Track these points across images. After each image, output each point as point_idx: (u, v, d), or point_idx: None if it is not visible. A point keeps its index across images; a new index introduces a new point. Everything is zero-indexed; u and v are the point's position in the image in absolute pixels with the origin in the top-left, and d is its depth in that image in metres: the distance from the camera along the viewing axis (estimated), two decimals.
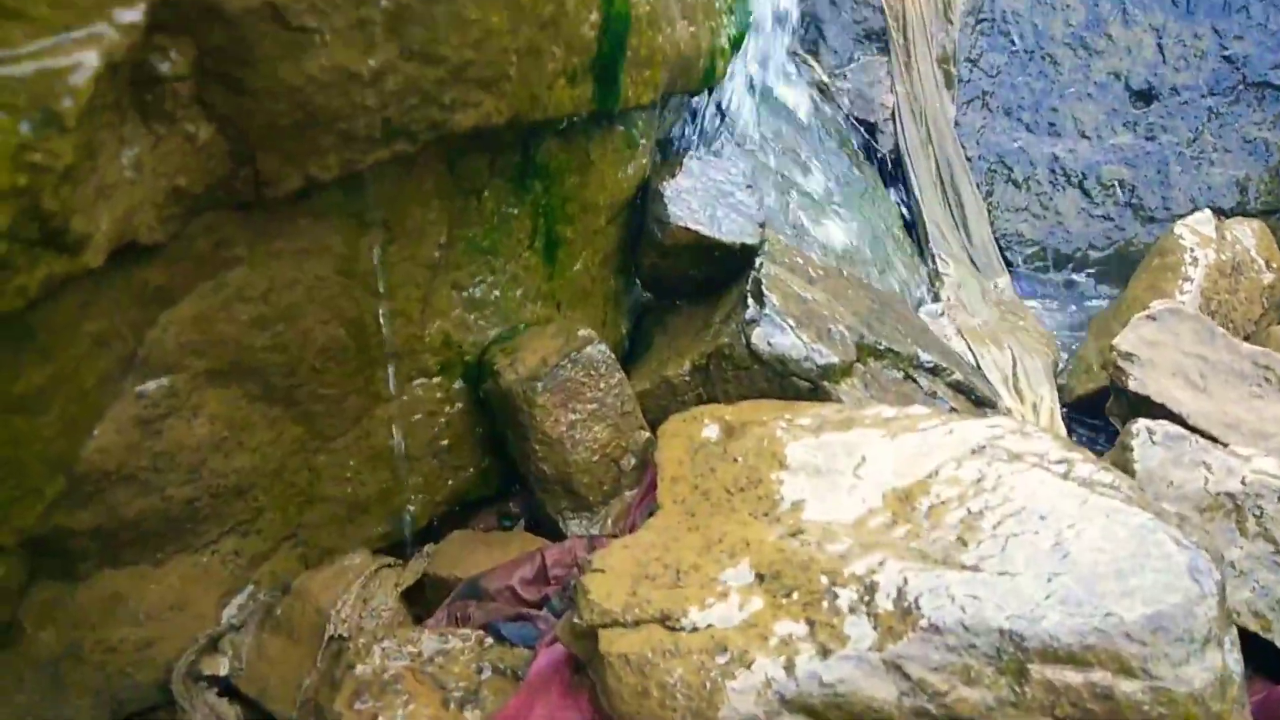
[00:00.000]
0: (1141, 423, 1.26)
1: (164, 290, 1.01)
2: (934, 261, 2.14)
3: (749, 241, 1.49)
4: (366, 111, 1.00)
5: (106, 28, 0.74)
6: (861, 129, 2.23)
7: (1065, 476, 1.04)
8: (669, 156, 1.68)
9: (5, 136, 0.68)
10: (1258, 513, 1.16)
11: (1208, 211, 1.91)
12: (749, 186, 1.55)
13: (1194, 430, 1.33)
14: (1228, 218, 2.13)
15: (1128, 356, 1.38)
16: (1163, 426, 1.25)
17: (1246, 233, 1.91)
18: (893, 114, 2.25)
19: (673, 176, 1.51)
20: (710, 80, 1.62)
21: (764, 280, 1.44)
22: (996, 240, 2.21)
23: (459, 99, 1.08)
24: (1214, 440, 1.32)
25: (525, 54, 1.11)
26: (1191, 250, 1.78)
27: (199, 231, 1.00)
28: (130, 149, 0.84)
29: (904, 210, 2.20)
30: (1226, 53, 2.16)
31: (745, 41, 1.81)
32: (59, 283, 0.80)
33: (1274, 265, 1.86)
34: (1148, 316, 1.44)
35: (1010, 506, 1.00)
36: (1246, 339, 1.75)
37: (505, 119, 1.15)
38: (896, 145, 2.23)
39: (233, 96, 0.90)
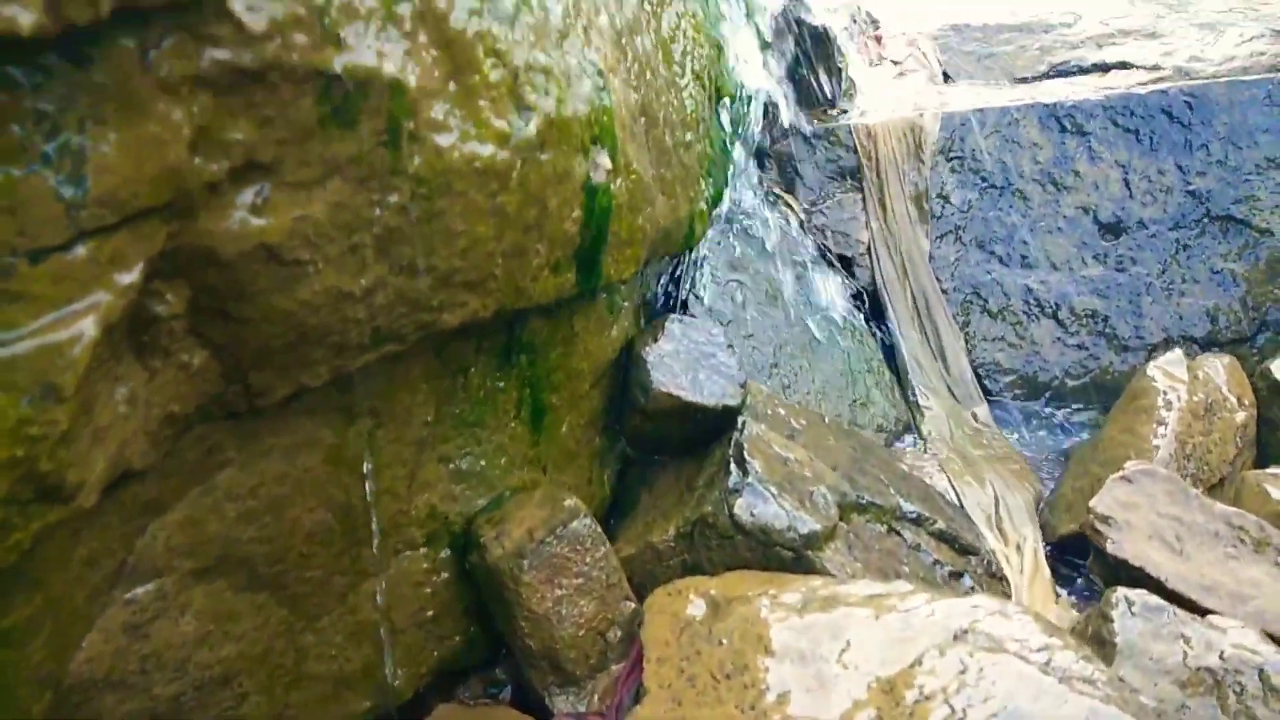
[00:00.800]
0: (1121, 593, 1.28)
1: (155, 502, 1.02)
2: (913, 394, 2.18)
3: (730, 403, 1.52)
4: (357, 324, 1.03)
5: (105, 294, 0.77)
6: (838, 264, 2.28)
7: (1045, 668, 1.06)
8: (652, 314, 1.72)
9: (4, 414, 0.70)
10: (1238, 689, 1.18)
11: (1178, 352, 1.95)
12: (729, 346, 1.59)
13: (1173, 594, 1.35)
14: (1200, 346, 2.19)
15: (1105, 519, 1.40)
16: (1141, 597, 1.27)
17: (1218, 369, 1.95)
18: (868, 249, 2.31)
19: (655, 340, 1.54)
20: (690, 242, 1.67)
21: (745, 445, 1.46)
22: (974, 369, 2.25)
23: (446, 301, 1.11)
24: (1194, 605, 1.33)
25: (510, 255, 1.15)
26: (1164, 394, 1.82)
27: (190, 444, 1.02)
28: (124, 386, 0.86)
29: (882, 343, 2.25)
30: (1190, 188, 2.23)
31: (723, 192, 1.87)
32: (53, 529, 0.82)
33: (1245, 402, 1.90)
34: (1123, 478, 1.47)
35: (992, 706, 1.02)
36: (1222, 481, 1.78)
37: (491, 312, 1.19)
38: (873, 279, 2.28)
39: (227, 326, 0.93)
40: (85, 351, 0.74)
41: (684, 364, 1.53)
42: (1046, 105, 2.31)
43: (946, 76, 2.93)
